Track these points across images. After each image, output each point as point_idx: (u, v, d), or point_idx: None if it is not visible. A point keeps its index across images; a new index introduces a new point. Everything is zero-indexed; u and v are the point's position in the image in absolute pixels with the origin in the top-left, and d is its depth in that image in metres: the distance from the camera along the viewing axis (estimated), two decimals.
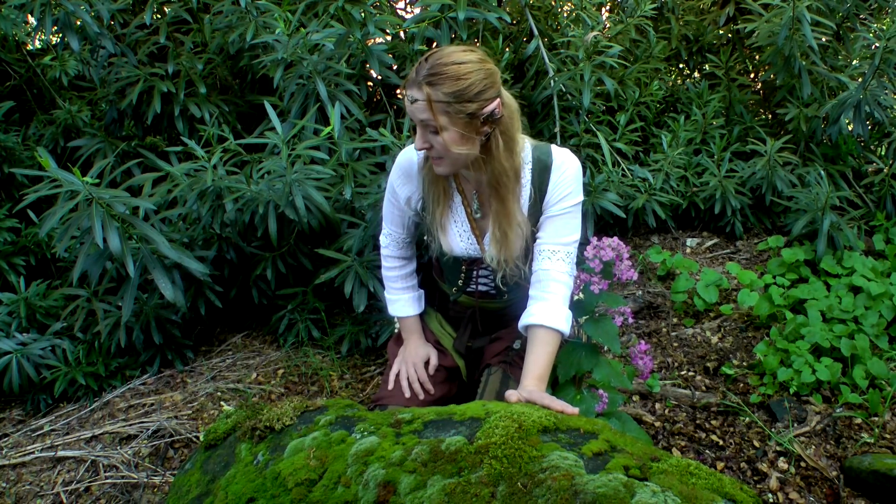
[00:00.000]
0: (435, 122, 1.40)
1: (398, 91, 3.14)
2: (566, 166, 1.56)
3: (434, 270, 1.92)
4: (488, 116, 1.42)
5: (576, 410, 1.22)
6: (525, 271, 1.62)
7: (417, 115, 1.42)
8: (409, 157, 1.66)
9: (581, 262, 1.48)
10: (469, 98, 1.39)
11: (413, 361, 1.81)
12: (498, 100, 1.44)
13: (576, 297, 1.55)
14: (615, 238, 1.45)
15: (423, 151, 1.58)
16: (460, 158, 1.46)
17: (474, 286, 1.78)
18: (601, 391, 1.50)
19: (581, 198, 1.59)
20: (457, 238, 1.65)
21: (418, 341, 1.85)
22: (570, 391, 1.52)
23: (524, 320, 1.55)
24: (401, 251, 1.82)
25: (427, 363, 1.82)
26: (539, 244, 1.59)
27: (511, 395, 1.35)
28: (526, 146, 1.59)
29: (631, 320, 1.48)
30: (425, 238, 1.76)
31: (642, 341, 1.57)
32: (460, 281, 1.78)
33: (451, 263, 1.76)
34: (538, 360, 1.48)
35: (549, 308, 1.52)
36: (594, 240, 1.44)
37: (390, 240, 1.81)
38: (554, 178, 1.56)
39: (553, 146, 1.59)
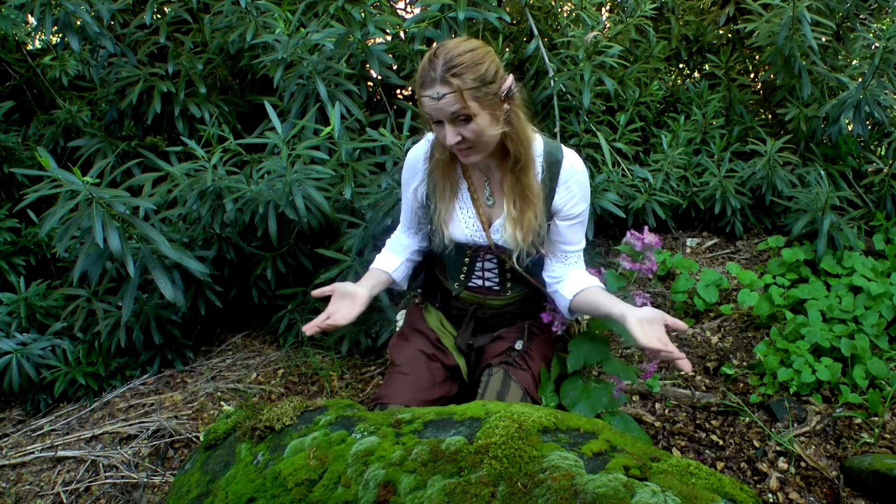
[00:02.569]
0: (467, 110, 1.41)
1: (398, 91, 3.14)
2: (575, 170, 1.59)
3: (437, 268, 1.92)
4: (507, 93, 1.46)
5: (685, 326, 1.33)
6: (540, 249, 1.64)
7: (447, 109, 1.41)
8: (415, 153, 1.69)
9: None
10: (490, 79, 1.42)
11: (340, 292, 1.60)
12: (511, 76, 1.48)
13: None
14: (653, 234, 1.56)
15: (427, 149, 1.62)
16: (490, 142, 1.49)
17: (476, 281, 1.78)
18: (615, 377, 1.52)
19: (588, 204, 1.64)
20: (461, 225, 1.66)
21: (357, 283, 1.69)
22: (578, 383, 1.53)
23: (568, 293, 1.60)
24: (411, 242, 1.84)
25: (353, 299, 1.61)
26: (550, 249, 1.64)
27: (635, 311, 1.36)
28: (536, 137, 1.61)
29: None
30: (429, 227, 1.76)
31: None
32: (462, 275, 1.78)
33: (452, 256, 1.75)
34: (612, 297, 1.52)
35: (582, 275, 1.62)
36: (633, 232, 1.55)
37: (404, 235, 1.84)
38: (563, 179, 1.58)
39: (563, 146, 1.62)
